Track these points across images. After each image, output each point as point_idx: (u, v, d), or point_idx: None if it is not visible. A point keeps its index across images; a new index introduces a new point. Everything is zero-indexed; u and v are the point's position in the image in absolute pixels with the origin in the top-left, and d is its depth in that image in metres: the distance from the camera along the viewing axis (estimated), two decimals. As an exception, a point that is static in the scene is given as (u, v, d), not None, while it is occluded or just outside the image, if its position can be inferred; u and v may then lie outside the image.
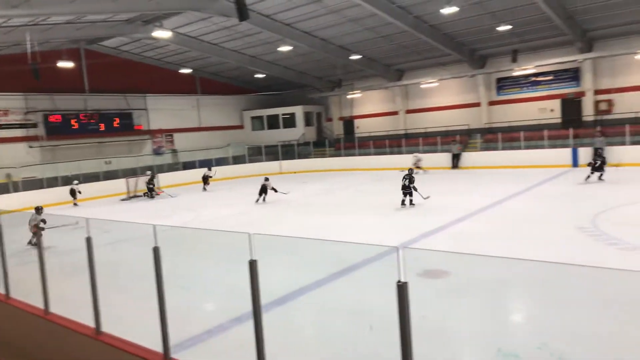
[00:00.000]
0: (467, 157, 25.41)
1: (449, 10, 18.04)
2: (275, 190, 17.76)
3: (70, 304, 5.89)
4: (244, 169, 29.39)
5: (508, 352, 5.14)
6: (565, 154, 22.33)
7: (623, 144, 21.25)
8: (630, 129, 21.46)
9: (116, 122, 27.75)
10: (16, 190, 21.57)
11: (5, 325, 6.73)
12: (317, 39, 24.80)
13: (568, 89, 25.14)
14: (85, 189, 21.71)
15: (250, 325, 3.69)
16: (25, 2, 15.79)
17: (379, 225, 12.52)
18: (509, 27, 21.31)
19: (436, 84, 28.26)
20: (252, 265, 3.61)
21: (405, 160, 24.61)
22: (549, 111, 25.56)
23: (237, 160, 31.00)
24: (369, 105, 32.77)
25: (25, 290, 6.55)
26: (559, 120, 25.13)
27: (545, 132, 23.76)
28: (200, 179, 23.86)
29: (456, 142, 25.69)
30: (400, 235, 10.94)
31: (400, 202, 14.59)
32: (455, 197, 16.19)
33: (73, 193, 21.04)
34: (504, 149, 24.75)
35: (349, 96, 32.68)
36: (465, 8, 19.48)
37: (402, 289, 2.81)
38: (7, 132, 24.21)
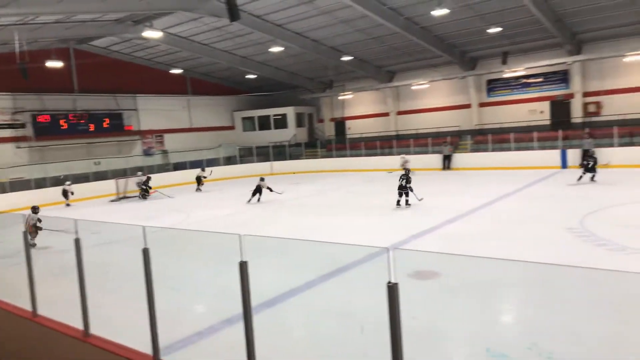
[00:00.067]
0: (458, 159, 25.53)
1: (439, 12, 18.15)
2: (271, 190, 17.77)
3: (59, 306, 5.82)
4: (235, 169, 29.32)
5: (497, 353, 5.17)
6: (554, 155, 22.53)
7: (611, 145, 21.44)
8: (618, 130, 21.68)
9: (106, 123, 27.51)
10: (4, 191, 21.30)
11: (-8, 328, 6.64)
12: (308, 40, 24.80)
13: (557, 91, 25.38)
14: (75, 189, 21.52)
15: (240, 326, 3.68)
16: (13, 1, 15.62)
17: (370, 226, 12.54)
18: (499, 29, 21.51)
19: (427, 86, 28.41)
20: (243, 266, 3.59)
21: (396, 161, 24.66)
22: (539, 113, 25.78)
23: (228, 161, 30.88)
24: (360, 107, 32.82)
25: (13, 292, 6.47)
26: (549, 122, 25.36)
27: (535, 134, 23.97)
28: (194, 180, 23.73)
29: (447, 144, 25.79)
30: (391, 236, 10.97)
31: (395, 202, 14.62)
32: (446, 198, 16.26)
33: (65, 194, 20.88)
34: (494, 150, 24.93)
35: (340, 97, 32.74)
36: (456, 10, 19.60)
37: (392, 290, 2.81)
38: (-5, 132, 23.95)
